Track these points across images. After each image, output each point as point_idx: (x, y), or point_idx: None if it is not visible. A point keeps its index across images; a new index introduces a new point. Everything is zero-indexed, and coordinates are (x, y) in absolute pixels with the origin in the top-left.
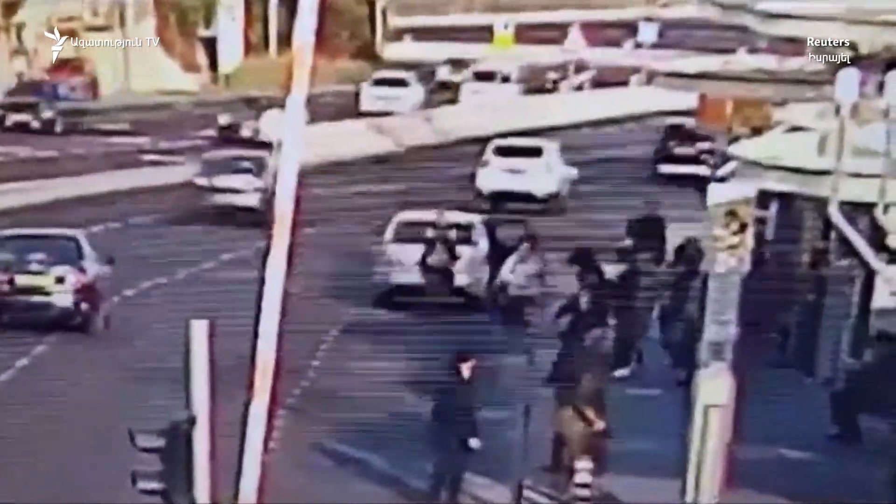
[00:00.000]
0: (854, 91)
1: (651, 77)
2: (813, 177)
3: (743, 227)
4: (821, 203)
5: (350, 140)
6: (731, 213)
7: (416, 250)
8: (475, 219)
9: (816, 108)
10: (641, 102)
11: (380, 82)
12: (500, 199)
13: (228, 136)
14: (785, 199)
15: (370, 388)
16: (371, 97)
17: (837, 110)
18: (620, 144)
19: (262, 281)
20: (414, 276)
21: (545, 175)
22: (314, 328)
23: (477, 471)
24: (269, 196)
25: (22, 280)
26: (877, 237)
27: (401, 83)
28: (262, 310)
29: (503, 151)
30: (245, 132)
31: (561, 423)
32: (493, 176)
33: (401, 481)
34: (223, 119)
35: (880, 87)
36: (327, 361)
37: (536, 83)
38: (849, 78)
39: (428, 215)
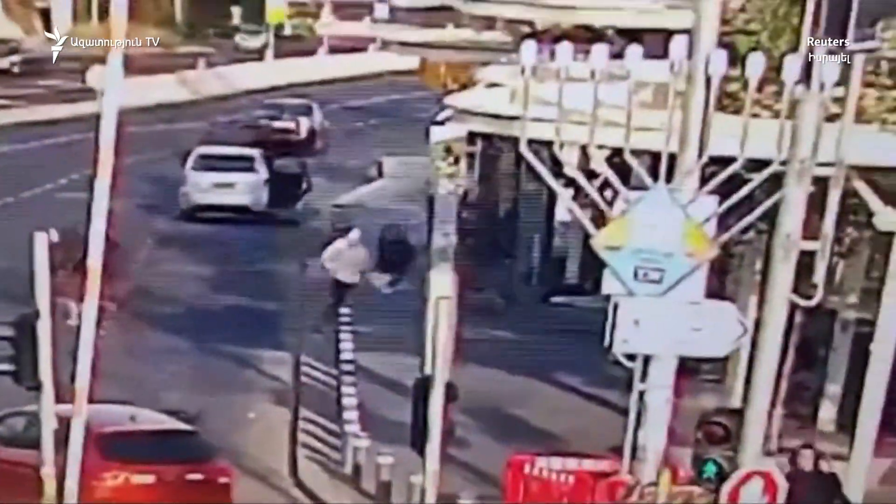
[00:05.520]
0: (534, 57)
1: (385, 45)
2: (507, 121)
3: (457, 160)
4: (514, 141)
5: (159, 89)
6: (448, 150)
7: (211, 177)
8: (255, 153)
9: (508, 69)
10: (378, 64)
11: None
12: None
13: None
14: (487, 138)
15: (181, 287)
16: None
17: (523, 71)
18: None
19: (90, 201)
20: (209, 198)
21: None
22: (135, 239)
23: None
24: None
25: None
26: (556, 167)
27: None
28: (91, 224)
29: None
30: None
31: None
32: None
33: (206, 361)
34: None
35: (552, 54)
36: (146, 266)
37: None
38: (530, 47)
39: (220, 150)
